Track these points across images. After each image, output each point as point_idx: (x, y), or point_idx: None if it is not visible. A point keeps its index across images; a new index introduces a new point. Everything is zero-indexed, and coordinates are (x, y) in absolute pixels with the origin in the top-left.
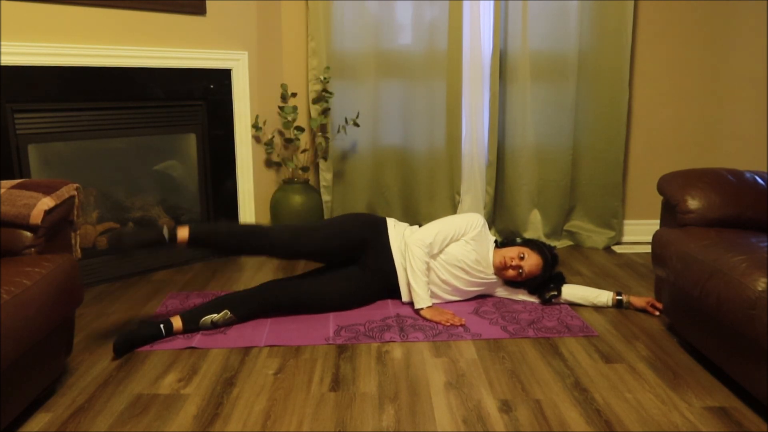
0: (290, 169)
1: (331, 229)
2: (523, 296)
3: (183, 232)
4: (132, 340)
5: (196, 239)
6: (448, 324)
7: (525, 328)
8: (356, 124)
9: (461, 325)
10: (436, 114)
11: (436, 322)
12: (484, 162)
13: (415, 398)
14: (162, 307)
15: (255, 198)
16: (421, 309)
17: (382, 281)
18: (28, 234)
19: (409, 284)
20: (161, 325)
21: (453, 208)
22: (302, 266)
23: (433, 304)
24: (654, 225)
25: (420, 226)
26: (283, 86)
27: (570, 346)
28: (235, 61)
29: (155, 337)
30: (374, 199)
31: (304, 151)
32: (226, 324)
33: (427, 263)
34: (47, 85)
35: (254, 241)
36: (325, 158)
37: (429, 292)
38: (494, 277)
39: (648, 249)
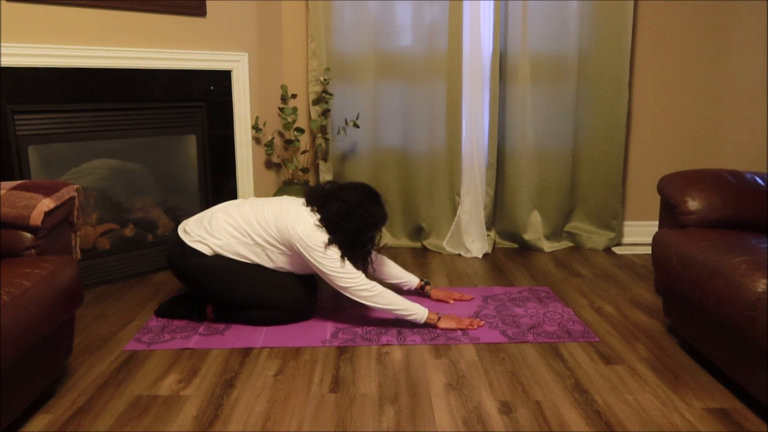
0: (290, 171)
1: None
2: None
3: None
4: (174, 313)
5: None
6: (473, 328)
7: (525, 333)
8: (356, 126)
9: (467, 328)
10: (436, 115)
11: (459, 329)
12: (484, 163)
13: (415, 399)
14: None
15: None
16: (431, 320)
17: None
18: (28, 235)
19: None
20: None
21: (453, 209)
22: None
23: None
24: (654, 226)
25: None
26: (283, 87)
27: (570, 347)
28: (236, 62)
29: (192, 318)
30: None
31: (304, 152)
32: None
33: (373, 288)
34: (48, 86)
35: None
36: (325, 159)
37: (414, 303)
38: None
39: (648, 250)
